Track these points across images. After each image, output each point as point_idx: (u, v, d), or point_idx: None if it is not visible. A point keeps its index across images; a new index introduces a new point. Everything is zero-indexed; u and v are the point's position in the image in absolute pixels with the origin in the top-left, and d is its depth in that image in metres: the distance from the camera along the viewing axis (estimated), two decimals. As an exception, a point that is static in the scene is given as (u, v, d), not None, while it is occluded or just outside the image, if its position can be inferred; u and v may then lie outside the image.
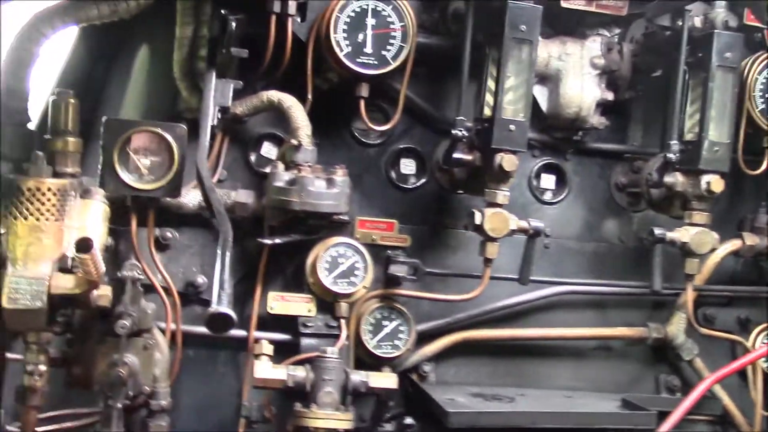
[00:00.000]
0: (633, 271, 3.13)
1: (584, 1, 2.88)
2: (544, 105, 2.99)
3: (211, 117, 2.52)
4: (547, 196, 3.15)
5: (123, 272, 2.30)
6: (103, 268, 2.03)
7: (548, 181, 3.16)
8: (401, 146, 3.00)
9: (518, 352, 3.04)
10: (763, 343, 3.13)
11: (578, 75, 2.93)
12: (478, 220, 2.62)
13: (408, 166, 3.02)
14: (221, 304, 2.02)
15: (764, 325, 3.18)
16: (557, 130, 3.07)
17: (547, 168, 3.15)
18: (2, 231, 2.00)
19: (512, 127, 2.60)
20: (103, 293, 2.19)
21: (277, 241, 2.62)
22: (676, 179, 2.84)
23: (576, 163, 3.16)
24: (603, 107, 3.00)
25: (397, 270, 2.69)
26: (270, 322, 2.78)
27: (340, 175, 2.61)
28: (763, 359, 3.09)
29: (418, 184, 3.01)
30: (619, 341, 3.11)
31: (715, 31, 2.78)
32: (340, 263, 2.73)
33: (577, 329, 3.02)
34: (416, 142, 3.01)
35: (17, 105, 2.31)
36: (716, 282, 3.17)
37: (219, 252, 2.28)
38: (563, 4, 2.85)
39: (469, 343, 2.93)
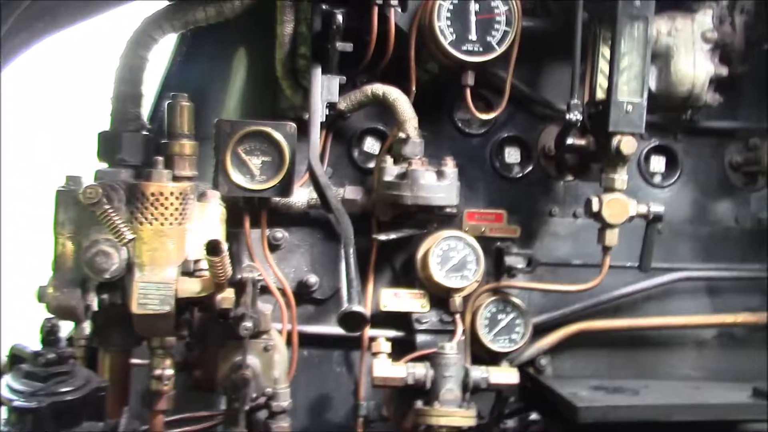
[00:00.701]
0: (753, 254, 2.99)
1: (693, -30, 2.75)
2: (653, 84, 2.84)
3: (320, 113, 2.49)
4: (658, 179, 3.04)
5: (243, 274, 2.27)
6: (230, 270, 2.01)
7: (658, 163, 3.04)
8: (505, 135, 2.93)
9: (635, 343, 2.94)
10: None
11: (690, 50, 2.79)
12: (596, 206, 2.53)
13: (512, 155, 2.94)
14: (352, 302, 1.98)
15: None
16: (666, 110, 2.94)
17: (657, 150, 3.03)
18: (131, 237, 1.99)
19: (629, 108, 2.49)
20: (227, 296, 2.17)
21: (392, 236, 2.57)
22: (804, 156, 2.70)
23: (687, 144, 3.04)
24: (716, 83, 2.86)
25: (514, 262, 2.62)
26: (381, 319, 2.74)
27: (450, 167, 2.55)
28: None
29: (523, 173, 2.93)
30: (740, 328, 2.97)
31: (839, -5, 2.62)
32: (451, 257, 2.67)
33: (698, 317, 2.90)
34: (519, 129, 2.93)
35: (133, 110, 2.32)
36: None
37: (342, 250, 2.24)
38: (671, -23, 2.74)
39: (586, 334, 2.84)
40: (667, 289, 2.94)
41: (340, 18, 2.42)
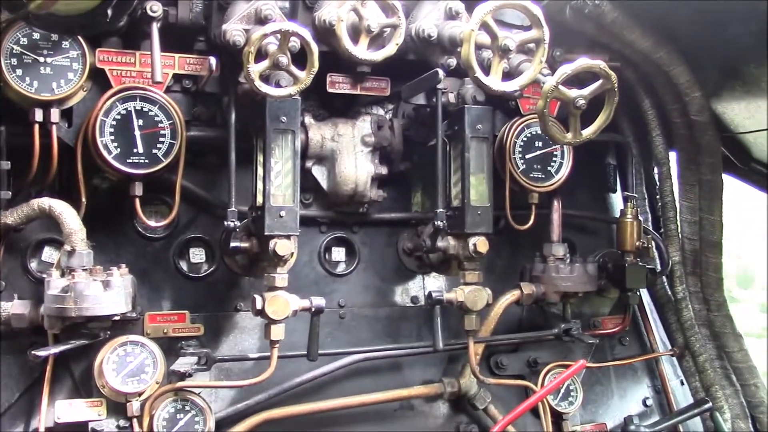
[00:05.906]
0: (427, 330, 3.30)
1: (349, 85, 3.06)
2: (324, 184, 3.14)
3: (-29, 237, 2.49)
4: (340, 268, 3.30)
5: None
6: None
7: (339, 253, 3.31)
8: (189, 236, 3.07)
9: (325, 423, 3.11)
10: (551, 380, 3.36)
11: (351, 153, 3.10)
12: (259, 305, 2.70)
13: (197, 255, 3.09)
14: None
15: (551, 365, 3.43)
16: (341, 206, 3.23)
17: (337, 241, 3.30)
18: None
19: (282, 213, 2.71)
20: None
21: (53, 351, 2.59)
22: (448, 243, 3.05)
23: (363, 234, 3.33)
24: (379, 181, 3.19)
25: (183, 364, 2.73)
26: None
27: (117, 276, 2.63)
28: (551, 396, 3.35)
29: (209, 271, 3.08)
30: (418, 399, 3.26)
31: (466, 106, 3.03)
32: (128, 362, 2.74)
33: (375, 394, 3.13)
34: (202, 230, 3.08)
35: None
36: (505, 330, 3.41)
37: None
38: (329, 90, 3.03)
39: (273, 421, 2.98)
40: (350, 370, 3.16)
41: (-15, 139, 2.47)
